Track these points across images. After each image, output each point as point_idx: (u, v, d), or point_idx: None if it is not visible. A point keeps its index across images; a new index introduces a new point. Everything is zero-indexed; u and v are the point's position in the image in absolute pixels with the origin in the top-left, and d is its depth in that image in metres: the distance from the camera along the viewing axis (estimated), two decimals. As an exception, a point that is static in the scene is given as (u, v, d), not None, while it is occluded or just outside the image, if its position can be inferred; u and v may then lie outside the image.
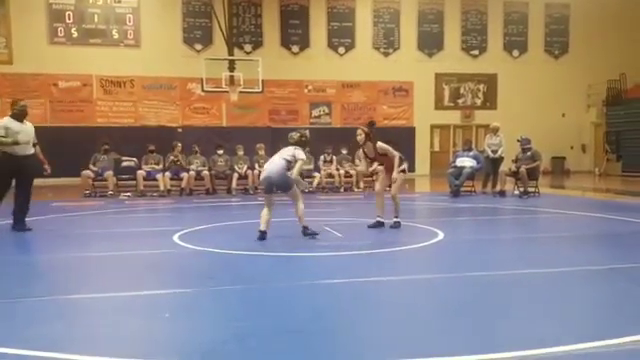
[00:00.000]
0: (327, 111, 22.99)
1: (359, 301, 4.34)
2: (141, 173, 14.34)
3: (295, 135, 7.63)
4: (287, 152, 7.32)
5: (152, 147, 14.99)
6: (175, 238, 7.27)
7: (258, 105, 22.03)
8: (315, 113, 22.93)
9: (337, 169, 15.65)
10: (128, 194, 14.08)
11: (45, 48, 20.51)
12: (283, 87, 22.48)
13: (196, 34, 22.01)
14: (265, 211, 7.18)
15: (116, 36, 21.22)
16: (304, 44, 22.94)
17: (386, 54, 23.57)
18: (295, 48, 22.88)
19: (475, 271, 5.30)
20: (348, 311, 4.05)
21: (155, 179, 14.27)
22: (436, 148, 24.31)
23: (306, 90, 22.86)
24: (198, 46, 21.92)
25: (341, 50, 23.20)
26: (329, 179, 15.58)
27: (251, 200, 12.75)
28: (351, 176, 15.61)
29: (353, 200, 13.20)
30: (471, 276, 5.10)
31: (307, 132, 8.62)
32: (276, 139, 18.43)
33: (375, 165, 8.24)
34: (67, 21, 20.74)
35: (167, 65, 21.16)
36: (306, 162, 15.37)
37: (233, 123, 21.75)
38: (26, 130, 8.07)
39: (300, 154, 7.23)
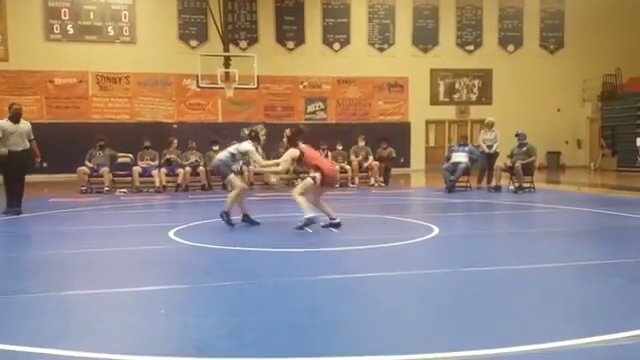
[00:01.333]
0: (322, 107, 22.99)
1: (354, 296, 4.37)
2: (137, 169, 14.35)
3: (247, 130, 8.87)
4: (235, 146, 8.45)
5: (148, 143, 15.00)
6: (171, 234, 7.28)
7: (253, 101, 22.02)
8: (310, 109, 22.93)
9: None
10: (124, 190, 14.07)
11: (41, 45, 20.47)
12: (278, 83, 22.47)
13: (191, 30, 21.99)
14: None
15: (112, 33, 21.19)
16: (299, 40, 22.92)
17: (381, 50, 23.57)
18: (290, 44, 22.86)
19: (471, 266, 5.31)
20: (344, 306, 4.08)
21: (151, 175, 14.27)
22: (431, 143, 24.35)
23: (301, 86, 22.85)
24: (193, 42, 21.90)
25: (336, 46, 23.19)
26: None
27: (246, 196, 12.73)
28: (346, 172, 15.59)
29: (347, 196, 13.21)
30: (467, 271, 5.12)
31: (258, 127, 9.13)
32: (271, 135, 18.45)
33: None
34: (63, 18, 20.71)
35: (162, 61, 21.13)
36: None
37: (228, 119, 21.72)
38: (20, 130, 9.43)
39: (242, 146, 8.20)
